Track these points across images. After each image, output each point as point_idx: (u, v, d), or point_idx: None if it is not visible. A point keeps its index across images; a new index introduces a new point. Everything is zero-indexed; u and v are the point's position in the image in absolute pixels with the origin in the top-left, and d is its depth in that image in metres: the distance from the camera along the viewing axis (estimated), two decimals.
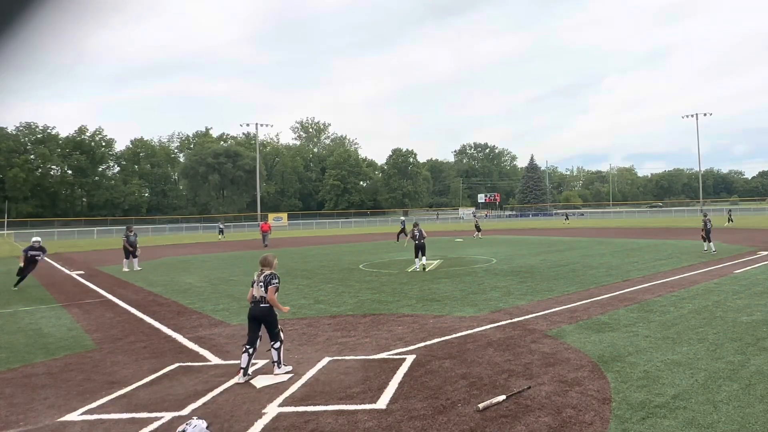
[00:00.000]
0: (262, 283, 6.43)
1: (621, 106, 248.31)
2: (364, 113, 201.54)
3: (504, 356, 6.86)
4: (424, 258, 16.75)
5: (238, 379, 6.22)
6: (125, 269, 19.53)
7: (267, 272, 6.50)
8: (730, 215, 42.15)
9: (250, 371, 6.35)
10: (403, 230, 32.01)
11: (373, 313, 10.16)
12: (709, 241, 19.92)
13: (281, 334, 6.55)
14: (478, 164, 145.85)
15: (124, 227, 21.99)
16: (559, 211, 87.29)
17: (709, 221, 20.17)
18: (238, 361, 6.97)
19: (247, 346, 6.35)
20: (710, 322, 8.38)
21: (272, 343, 6.45)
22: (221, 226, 48.68)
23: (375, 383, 5.96)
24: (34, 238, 16.14)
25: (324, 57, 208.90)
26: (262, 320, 6.44)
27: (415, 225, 17.23)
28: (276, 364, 6.44)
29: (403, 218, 32.57)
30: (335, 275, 16.35)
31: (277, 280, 6.49)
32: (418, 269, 16.40)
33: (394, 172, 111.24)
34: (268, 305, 6.42)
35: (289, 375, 6.36)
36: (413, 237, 17.02)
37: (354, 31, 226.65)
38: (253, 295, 6.49)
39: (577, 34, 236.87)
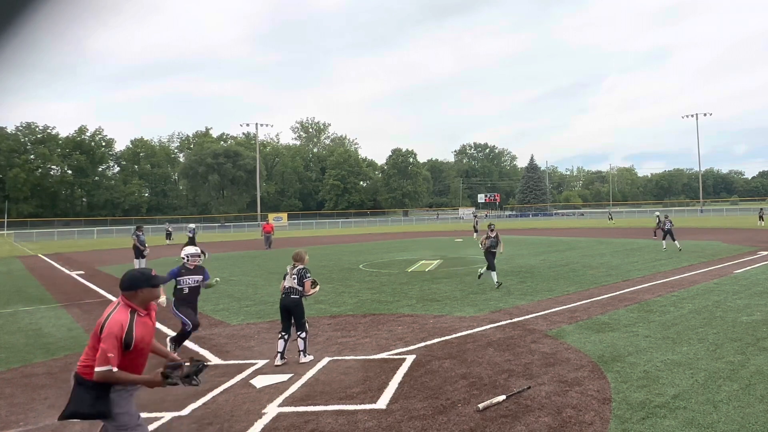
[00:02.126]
0: (295, 276, 7.03)
1: (621, 106, 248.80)
2: (364, 113, 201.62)
3: (504, 356, 6.86)
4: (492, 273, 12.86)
5: (277, 361, 6.79)
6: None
7: (300, 266, 7.12)
8: (762, 215, 39.45)
9: (286, 356, 6.89)
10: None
11: (373, 313, 10.16)
12: (663, 239, 21.30)
13: (306, 325, 7.05)
14: (478, 164, 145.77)
15: (134, 227, 21.73)
16: (605, 210, 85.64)
17: (669, 222, 21.36)
18: (239, 361, 6.96)
19: (283, 333, 6.96)
20: (710, 322, 8.38)
21: (299, 333, 6.95)
22: (169, 229, 40.38)
23: (375, 383, 5.96)
24: (186, 251, 7.91)
25: (324, 57, 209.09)
26: (291, 310, 6.97)
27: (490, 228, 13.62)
28: (302, 353, 6.93)
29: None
30: (335, 275, 16.34)
31: (310, 274, 7.15)
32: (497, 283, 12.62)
33: (394, 172, 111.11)
34: (297, 296, 6.99)
35: (310, 358, 6.94)
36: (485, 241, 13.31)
37: (354, 31, 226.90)
38: (285, 287, 7.07)
39: (577, 34, 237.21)
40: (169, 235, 40.09)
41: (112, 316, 3.42)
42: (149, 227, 66.69)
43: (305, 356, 6.93)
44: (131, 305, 3.53)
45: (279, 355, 6.84)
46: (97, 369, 3.29)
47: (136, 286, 3.55)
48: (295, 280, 7.00)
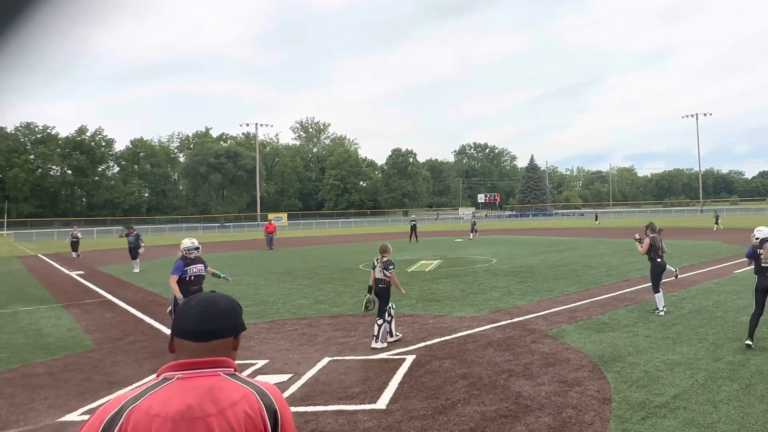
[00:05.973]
0: (382, 267, 7.71)
1: (621, 106, 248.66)
2: (364, 113, 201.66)
3: (504, 356, 6.86)
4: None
5: (374, 343, 7.46)
6: (135, 270, 19.35)
7: (386, 258, 7.77)
8: (717, 218, 38.89)
9: (381, 339, 7.53)
10: None
11: (374, 313, 10.13)
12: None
13: (387, 315, 7.60)
14: (478, 164, 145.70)
15: (123, 228, 21.53)
16: (605, 210, 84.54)
17: (476, 220, 25.93)
18: (238, 361, 6.94)
19: (378, 319, 7.62)
20: (710, 322, 8.38)
21: (377, 319, 7.61)
22: (76, 235, 27.53)
23: (375, 383, 5.96)
24: (187, 242, 7.68)
25: (324, 57, 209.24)
26: (380, 298, 7.66)
27: (654, 228, 9.85)
28: (375, 338, 7.52)
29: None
30: (335, 275, 16.33)
31: (393, 266, 7.78)
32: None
33: (394, 172, 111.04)
34: (385, 285, 7.68)
35: (395, 338, 7.81)
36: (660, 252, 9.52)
37: (355, 31, 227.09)
38: (376, 277, 7.77)
39: (577, 34, 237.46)
40: (75, 245, 27.39)
41: (267, 389, 1.63)
42: (149, 227, 66.81)
43: (376, 342, 7.51)
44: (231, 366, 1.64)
45: (375, 338, 7.56)
46: None
47: (240, 328, 1.65)
48: (383, 271, 7.76)
